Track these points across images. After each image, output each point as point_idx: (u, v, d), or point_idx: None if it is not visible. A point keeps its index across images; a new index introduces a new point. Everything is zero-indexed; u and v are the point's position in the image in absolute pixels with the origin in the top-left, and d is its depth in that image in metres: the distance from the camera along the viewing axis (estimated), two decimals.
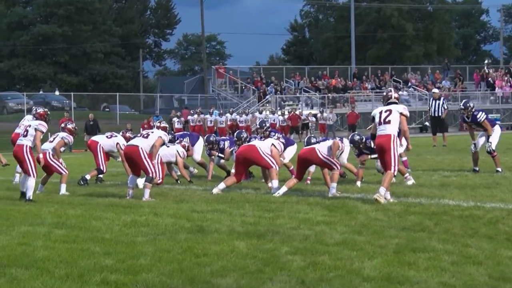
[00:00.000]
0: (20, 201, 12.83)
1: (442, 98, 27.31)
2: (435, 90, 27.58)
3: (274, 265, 6.80)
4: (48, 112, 14.17)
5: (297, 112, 44.60)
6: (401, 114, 11.65)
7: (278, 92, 51.74)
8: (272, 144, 13.76)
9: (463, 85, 58.00)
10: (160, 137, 13.02)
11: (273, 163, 13.23)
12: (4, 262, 7.23)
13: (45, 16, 73.19)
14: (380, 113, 11.78)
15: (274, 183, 13.04)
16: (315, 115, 44.97)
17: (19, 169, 14.64)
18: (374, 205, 10.77)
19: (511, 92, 56.64)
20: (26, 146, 13.02)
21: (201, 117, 42.87)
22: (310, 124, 44.18)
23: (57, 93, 54.56)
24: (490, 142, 15.32)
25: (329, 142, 13.07)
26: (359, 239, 8.07)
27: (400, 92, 52.59)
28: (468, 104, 15.74)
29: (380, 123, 11.66)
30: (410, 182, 13.71)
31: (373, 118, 12.04)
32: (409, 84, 56.41)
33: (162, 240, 8.30)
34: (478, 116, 15.45)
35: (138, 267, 6.83)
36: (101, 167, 15.97)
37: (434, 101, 26.22)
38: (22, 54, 71.08)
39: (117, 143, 16.09)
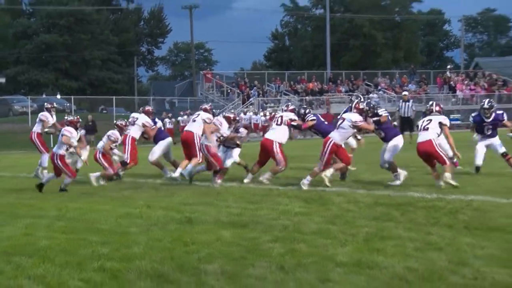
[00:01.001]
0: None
1: (411, 100, 27.35)
2: (405, 93, 27.60)
3: (256, 252, 6.81)
4: (80, 120, 14.23)
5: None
6: (440, 123, 12.27)
7: (261, 95, 51.77)
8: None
9: (428, 88, 58.29)
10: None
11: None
12: (9, 251, 7.22)
13: (47, 26, 72.81)
14: (422, 122, 12.48)
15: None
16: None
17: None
18: (346, 198, 10.79)
19: (470, 95, 56.95)
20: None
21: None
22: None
23: (58, 96, 54.14)
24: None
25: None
26: (333, 228, 8.09)
27: (371, 95, 52.89)
28: (491, 104, 14.42)
29: (420, 130, 12.37)
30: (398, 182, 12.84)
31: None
32: (379, 87, 56.61)
33: (154, 230, 8.29)
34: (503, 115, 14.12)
35: (132, 255, 6.82)
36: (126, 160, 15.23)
37: (403, 103, 26.21)
38: (27, 61, 70.83)
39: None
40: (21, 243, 7.70)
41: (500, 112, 14.19)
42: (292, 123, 13.88)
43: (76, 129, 13.87)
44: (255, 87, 52.92)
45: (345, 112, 13.71)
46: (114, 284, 5.80)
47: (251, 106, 48.72)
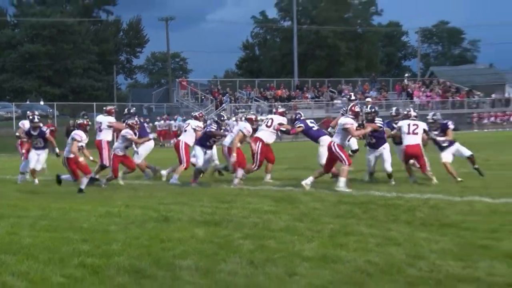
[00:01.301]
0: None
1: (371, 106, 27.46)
2: (368, 99, 27.68)
3: (228, 249, 6.79)
4: (89, 123, 14.01)
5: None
6: (424, 129, 12.63)
7: (233, 101, 51.80)
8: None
9: (388, 94, 58.78)
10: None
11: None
12: None
13: (31, 36, 72.19)
14: (409, 125, 12.61)
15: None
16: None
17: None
18: (313, 197, 10.82)
19: (426, 101, 57.53)
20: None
21: (167, 123, 42.74)
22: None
23: (42, 103, 53.57)
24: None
25: None
26: (300, 225, 8.10)
27: (335, 101, 53.17)
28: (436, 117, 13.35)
29: (409, 133, 12.51)
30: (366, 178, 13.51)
31: (399, 128, 12.79)
32: (343, 94, 56.81)
33: (132, 229, 8.24)
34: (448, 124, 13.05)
35: (111, 252, 6.76)
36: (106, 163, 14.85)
37: (365, 108, 26.34)
38: (11, 69, 70.17)
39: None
40: (5, 242, 7.59)
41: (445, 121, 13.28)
42: (281, 128, 13.95)
43: (86, 131, 13.43)
44: (227, 94, 52.98)
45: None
46: (95, 279, 5.75)
47: (223, 112, 48.68)
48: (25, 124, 16.50)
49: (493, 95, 63.47)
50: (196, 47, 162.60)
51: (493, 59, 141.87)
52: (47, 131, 15.87)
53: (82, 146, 13.17)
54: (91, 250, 6.92)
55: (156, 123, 43.10)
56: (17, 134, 16.65)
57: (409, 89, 59.54)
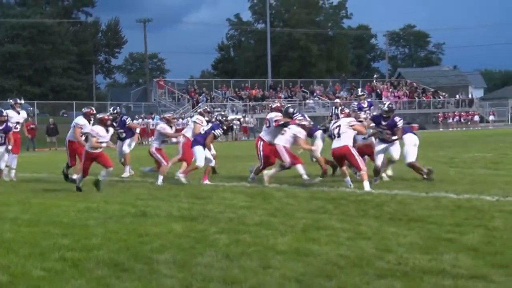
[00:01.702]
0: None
1: (341, 106, 27.56)
2: (337, 100, 27.78)
3: (204, 243, 6.77)
4: (111, 117, 12.81)
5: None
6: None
7: (209, 100, 51.71)
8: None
9: (367, 97, 59.13)
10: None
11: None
12: None
13: (11, 37, 71.45)
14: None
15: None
16: (239, 119, 45.11)
17: None
18: (286, 193, 10.84)
19: (394, 101, 57.88)
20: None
21: (145, 121, 42.52)
22: (235, 127, 44.27)
23: (22, 101, 53.14)
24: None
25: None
26: (274, 220, 8.10)
27: (307, 101, 53.31)
28: (391, 106, 12.64)
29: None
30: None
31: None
32: (315, 94, 57.19)
33: (111, 223, 8.17)
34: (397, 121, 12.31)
35: (91, 246, 6.70)
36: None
37: (335, 109, 26.44)
38: None
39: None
40: None
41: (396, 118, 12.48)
42: (280, 122, 13.04)
43: (107, 126, 12.32)
44: (203, 94, 52.90)
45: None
46: (74, 272, 5.69)
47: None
48: (8, 113, 14.89)
49: (457, 96, 64.20)
50: (173, 48, 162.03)
51: (457, 61, 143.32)
52: (13, 128, 14.76)
53: (103, 141, 12.13)
54: (71, 244, 6.85)
55: (134, 121, 42.82)
56: None
57: (378, 90, 59.93)
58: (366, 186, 10.98)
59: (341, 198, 10.00)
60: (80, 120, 13.88)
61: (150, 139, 39.79)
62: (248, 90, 55.76)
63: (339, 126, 11.63)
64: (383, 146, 12.41)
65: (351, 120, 11.99)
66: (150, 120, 42.67)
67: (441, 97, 62.56)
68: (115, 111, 15.08)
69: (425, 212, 8.43)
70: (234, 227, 7.63)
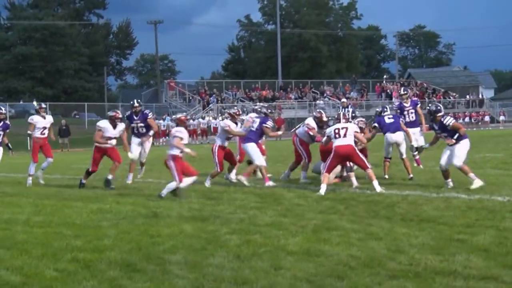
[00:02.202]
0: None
1: (349, 106, 27.53)
2: (344, 100, 27.78)
3: (215, 243, 6.77)
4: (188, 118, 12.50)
5: None
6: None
7: (219, 101, 51.75)
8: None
9: (368, 95, 58.99)
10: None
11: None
12: None
13: (24, 39, 71.85)
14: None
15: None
16: None
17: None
18: (297, 193, 10.83)
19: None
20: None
21: (156, 122, 42.72)
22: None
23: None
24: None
25: None
26: (285, 220, 8.10)
27: (317, 101, 53.26)
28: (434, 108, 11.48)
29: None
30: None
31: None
32: (325, 95, 57.12)
33: (123, 224, 8.19)
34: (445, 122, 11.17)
35: (103, 247, 6.72)
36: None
37: (343, 109, 26.41)
38: (5, 71, 69.83)
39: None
40: (0, 237, 7.52)
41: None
42: (265, 125, 12.78)
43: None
44: (214, 95, 52.95)
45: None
46: (87, 273, 5.71)
47: (210, 112, 48.68)
48: (33, 119, 14.65)
49: (467, 96, 63.94)
50: (184, 49, 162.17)
51: (467, 62, 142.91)
52: (40, 134, 14.53)
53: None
54: (84, 245, 6.87)
55: None
56: (28, 132, 14.72)
57: (388, 90, 59.78)
58: (377, 186, 10.78)
59: (351, 198, 9.98)
60: (101, 123, 13.10)
61: (161, 140, 40.02)
62: (258, 91, 55.77)
63: (346, 128, 11.48)
64: (447, 151, 11.20)
65: (356, 128, 11.73)
66: (161, 121, 42.75)
67: (451, 97, 62.36)
68: (137, 103, 14.51)
69: (437, 212, 8.40)
70: (245, 228, 7.63)
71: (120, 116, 13.01)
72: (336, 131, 11.43)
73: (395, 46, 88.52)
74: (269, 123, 12.90)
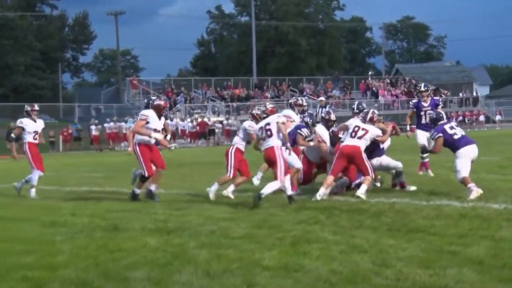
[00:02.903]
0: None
1: (327, 106, 27.67)
2: (322, 98, 28.02)
3: (182, 258, 6.74)
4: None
5: (205, 119, 44.62)
6: None
7: (188, 101, 51.64)
8: None
9: (351, 93, 59.27)
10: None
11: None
12: None
13: None
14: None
15: None
16: (221, 122, 45.12)
17: None
18: (273, 202, 10.82)
19: (392, 100, 58.17)
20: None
21: (117, 125, 42.39)
22: (216, 130, 44.27)
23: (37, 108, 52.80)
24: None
25: None
26: (260, 232, 8.09)
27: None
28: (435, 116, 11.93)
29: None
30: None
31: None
32: (304, 93, 57.23)
33: (79, 238, 8.14)
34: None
35: (56, 264, 6.66)
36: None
37: (320, 108, 26.56)
38: None
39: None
40: None
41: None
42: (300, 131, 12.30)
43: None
44: (181, 94, 52.79)
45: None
46: None
47: (178, 113, 48.53)
48: (23, 122, 13.70)
49: (461, 94, 64.61)
50: (148, 43, 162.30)
51: (460, 56, 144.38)
52: (32, 139, 13.60)
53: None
54: (35, 262, 6.80)
55: (106, 125, 42.69)
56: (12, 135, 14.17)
57: (373, 88, 60.17)
58: (362, 189, 10.88)
59: (334, 207, 10.01)
60: (146, 111, 12.13)
61: (122, 144, 39.80)
62: (231, 90, 55.77)
63: (366, 131, 11.44)
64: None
65: (379, 133, 11.65)
66: (123, 124, 42.53)
67: (443, 95, 62.88)
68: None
69: (426, 222, 8.45)
70: (216, 241, 7.61)
71: (168, 105, 12.15)
72: (356, 129, 11.47)
73: (381, 39, 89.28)
74: (305, 131, 12.30)
